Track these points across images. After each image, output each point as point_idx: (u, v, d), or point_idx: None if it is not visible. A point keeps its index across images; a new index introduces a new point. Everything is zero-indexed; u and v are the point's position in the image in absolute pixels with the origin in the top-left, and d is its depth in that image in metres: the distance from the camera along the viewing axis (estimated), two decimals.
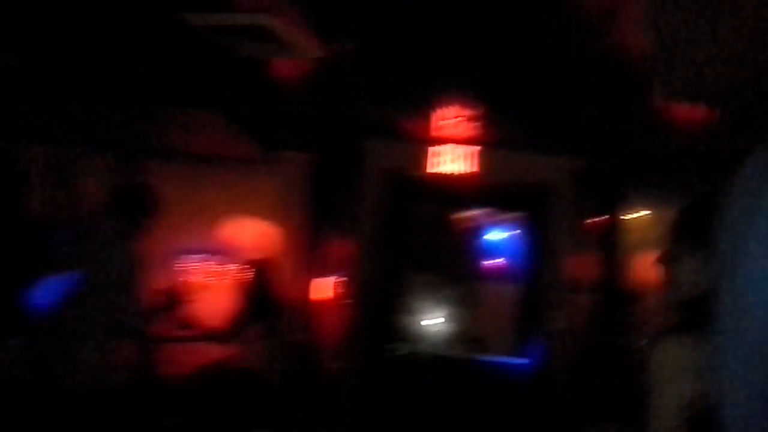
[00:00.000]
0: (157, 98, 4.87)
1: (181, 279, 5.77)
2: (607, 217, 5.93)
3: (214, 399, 4.87)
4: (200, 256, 5.99)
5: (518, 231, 7.09)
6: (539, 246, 6.33)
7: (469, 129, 6.06)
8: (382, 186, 6.21)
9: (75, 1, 4.16)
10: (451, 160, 6.15)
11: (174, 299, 4.20)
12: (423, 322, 7.36)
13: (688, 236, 1.78)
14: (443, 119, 6.05)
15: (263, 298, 5.26)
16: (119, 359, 3.58)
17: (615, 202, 5.96)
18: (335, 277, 6.27)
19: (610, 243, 5.90)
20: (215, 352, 5.32)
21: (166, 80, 4.72)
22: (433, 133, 6.05)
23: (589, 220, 5.99)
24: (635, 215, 6.13)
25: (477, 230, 7.31)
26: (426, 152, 6.11)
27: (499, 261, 7.36)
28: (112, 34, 4.47)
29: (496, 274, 7.35)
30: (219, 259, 6.05)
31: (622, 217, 5.98)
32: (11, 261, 2.98)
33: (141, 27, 4.36)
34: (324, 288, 6.20)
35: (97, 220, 3.78)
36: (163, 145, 5.80)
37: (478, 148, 6.10)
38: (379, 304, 6.29)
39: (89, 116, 5.35)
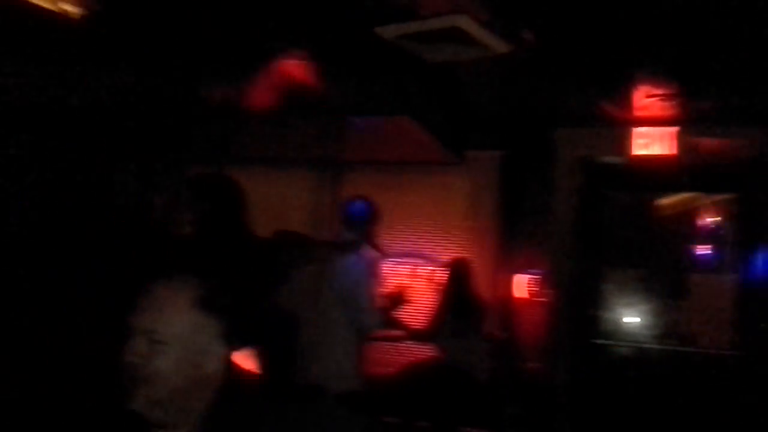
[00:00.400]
0: (349, 110, 4.98)
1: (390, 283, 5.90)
2: None
3: (425, 397, 4.91)
4: (400, 259, 6.08)
5: (729, 214, 6.54)
6: (754, 230, 5.81)
7: (666, 108, 5.66)
8: (577, 175, 5.98)
9: (268, 20, 4.34)
10: (649, 143, 5.79)
11: (395, 302, 4.32)
12: (627, 318, 7.00)
13: None
14: (638, 100, 5.70)
15: (463, 298, 5.23)
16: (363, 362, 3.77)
17: None
18: (533, 273, 6.13)
19: None
20: (420, 352, 5.39)
21: (358, 91, 4.81)
22: (628, 116, 5.73)
23: None
24: None
25: (683, 217, 6.82)
26: (622, 136, 5.80)
27: (710, 249, 6.81)
28: (307, 51, 4.63)
29: (707, 264, 6.80)
30: (418, 261, 6.12)
31: None
32: (250, 280, 3.18)
33: (333, 41, 4.47)
34: (522, 285, 6.08)
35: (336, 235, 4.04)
36: (357, 156, 5.95)
37: (678, 127, 5.69)
38: (580, 299, 6.07)
39: (288, 134, 5.60)
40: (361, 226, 3.99)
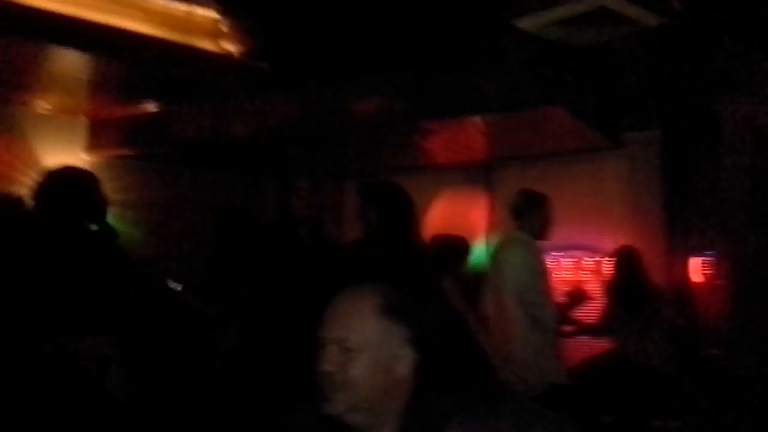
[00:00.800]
0: (491, 106, 4.92)
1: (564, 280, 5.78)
2: None
3: (605, 392, 4.73)
4: (563, 253, 5.92)
5: None
6: None
7: None
8: (750, 145, 5.54)
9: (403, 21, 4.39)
10: None
11: (576, 300, 4.22)
12: None
13: None
14: None
15: (634, 287, 4.99)
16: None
17: None
18: (707, 256, 5.75)
19: None
20: (595, 346, 5.20)
21: (503, 86, 4.74)
22: None
23: None
24: None
25: None
26: None
27: None
28: (445, 53, 4.63)
29: None
30: (581, 253, 5.94)
31: None
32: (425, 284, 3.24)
33: (475, 38, 4.44)
34: (696, 269, 5.73)
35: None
36: (508, 153, 5.88)
37: None
38: (762, 280, 5.62)
39: (434, 139, 5.63)
40: (529, 219, 3.90)
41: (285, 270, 3.27)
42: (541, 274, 3.80)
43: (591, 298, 4.42)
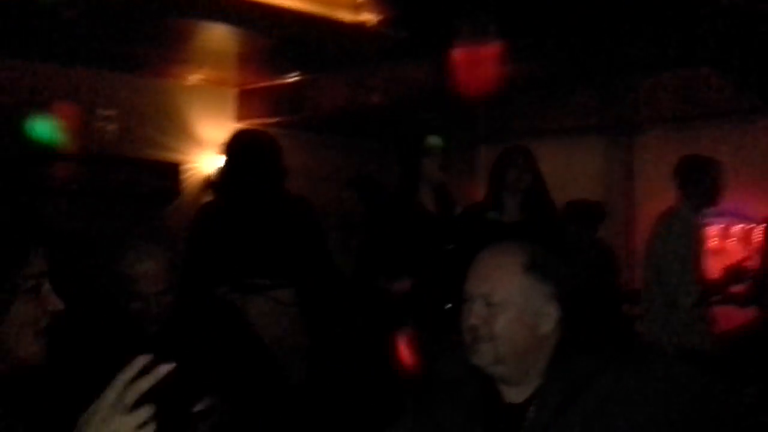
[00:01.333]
0: (639, 67, 4.74)
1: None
2: None
3: (754, 363, 4.51)
4: (713, 219, 5.65)
5: None
6: None
7: None
8: None
9: None
10: None
11: (736, 277, 4.03)
12: None
13: None
14: None
15: None
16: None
17: None
18: None
19: None
20: (741, 316, 4.95)
21: (651, 47, 4.55)
22: None
23: None
24: None
25: None
26: None
27: None
28: (590, 12, 4.49)
29: None
30: (729, 221, 5.64)
31: None
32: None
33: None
34: None
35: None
36: (652, 116, 5.66)
37: None
38: None
39: (575, 101, 5.51)
40: (695, 187, 3.73)
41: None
42: (684, 249, 3.65)
43: (750, 276, 4.14)
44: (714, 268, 5.15)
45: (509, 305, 1.55)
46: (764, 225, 4.82)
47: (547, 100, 5.54)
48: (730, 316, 4.85)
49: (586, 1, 4.40)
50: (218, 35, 4.78)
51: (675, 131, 5.80)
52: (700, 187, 3.71)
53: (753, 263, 4.99)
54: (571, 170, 6.09)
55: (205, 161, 6.06)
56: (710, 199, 3.79)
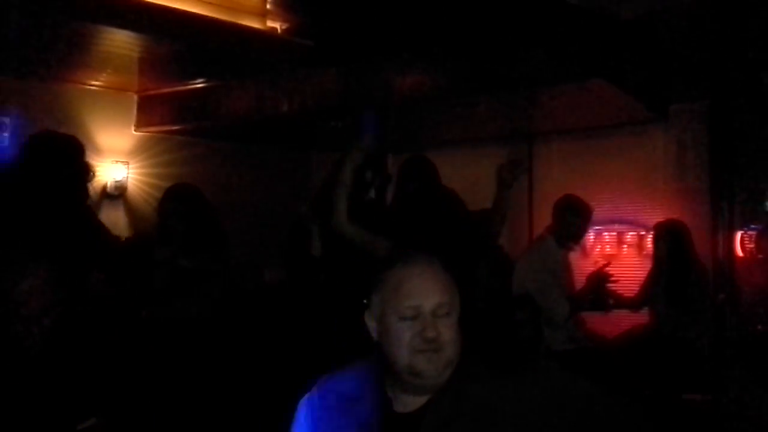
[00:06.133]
0: (540, 80, 4.91)
1: (591, 253, 5.80)
2: None
3: (642, 365, 4.75)
4: (603, 227, 5.91)
5: None
6: None
7: None
8: None
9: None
10: None
11: (600, 279, 4.44)
12: None
13: None
14: None
15: (679, 262, 4.96)
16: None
17: None
18: (753, 230, 5.68)
19: None
20: (635, 320, 5.20)
21: (547, 59, 4.72)
22: None
23: None
24: None
25: None
26: None
27: None
28: (488, 26, 4.62)
29: None
30: (623, 228, 5.92)
31: None
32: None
33: (516, 11, 4.42)
34: (741, 243, 5.66)
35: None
36: (551, 126, 5.86)
37: None
38: None
39: (476, 113, 5.63)
40: (564, 226, 4.39)
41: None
42: (551, 282, 4.28)
43: (613, 277, 4.66)
44: (610, 274, 5.43)
45: (453, 311, 1.63)
46: (658, 233, 5.09)
47: (451, 111, 5.64)
48: (623, 321, 5.09)
49: (486, 14, 4.52)
50: (119, 40, 4.63)
51: (571, 141, 6.03)
52: (569, 227, 4.39)
53: (640, 266, 5.29)
54: (474, 179, 6.21)
55: (104, 169, 5.85)
56: (575, 238, 4.49)
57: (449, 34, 4.50)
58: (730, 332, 5.17)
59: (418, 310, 1.60)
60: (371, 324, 1.67)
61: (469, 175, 6.13)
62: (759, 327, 5.42)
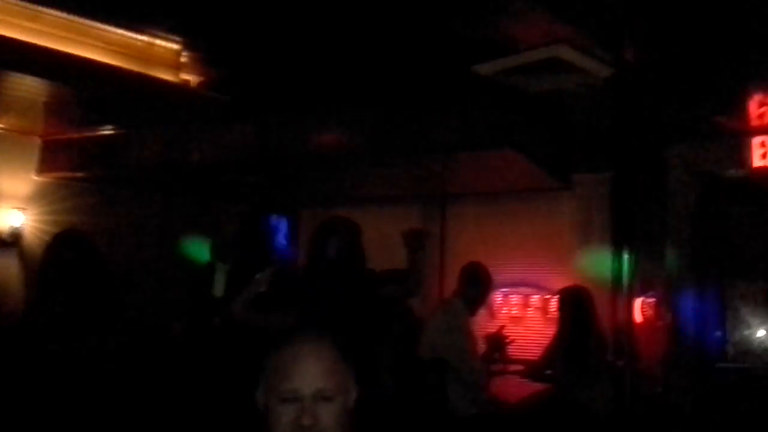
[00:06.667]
0: (452, 147, 5.02)
1: (498, 315, 5.89)
2: None
3: (541, 430, 4.81)
4: (511, 289, 6.02)
5: None
6: None
7: None
8: (696, 191, 5.75)
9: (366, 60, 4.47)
10: None
11: (498, 341, 4.59)
12: (755, 338, 6.63)
13: None
14: (754, 109, 5.43)
15: (580, 327, 5.08)
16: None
17: None
18: (651, 297, 5.92)
19: None
20: (536, 385, 5.27)
21: (459, 128, 4.84)
22: (744, 126, 5.46)
23: None
24: None
25: None
26: (739, 147, 5.53)
27: None
28: (405, 92, 4.72)
29: None
30: (529, 291, 6.04)
31: None
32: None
33: (432, 81, 4.53)
34: (640, 309, 5.88)
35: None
36: (462, 188, 5.97)
37: None
38: (701, 321, 5.82)
39: (392, 173, 5.69)
40: (470, 291, 4.50)
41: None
42: (463, 343, 4.37)
43: (510, 341, 4.85)
44: (515, 335, 5.53)
45: (337, 396, 1.55)
46: (561, 298, 5.21)
47: (367, 169, 5.68)
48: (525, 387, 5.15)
49: (405, 80, 4.61)
50: (25, 84, 4.46)
51: (483, 204, 6.17)
52: (474, 292, 4.54)
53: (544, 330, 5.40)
54: (387, 238, 6.24)
55: (3, 214, 5.56)
56: (479, 303, 4.63)
57: (364, 95, 4.56)
58: (628, 398, 5.31)
59: (297, 394, 1.54)
60: (260, 399, 1.60)
61: (383, 233, 6.16)
62: (653, 392, 5.61)
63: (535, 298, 6.03)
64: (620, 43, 4.69)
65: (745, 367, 6.13)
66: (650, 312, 5.86)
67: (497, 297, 6.07)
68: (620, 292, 5.78)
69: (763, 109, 5.38)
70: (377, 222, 6.24)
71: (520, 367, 5.10)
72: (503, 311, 6.01)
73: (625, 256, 5.82)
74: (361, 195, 6.45)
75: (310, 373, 1.55)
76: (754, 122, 5.41)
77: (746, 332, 6.73)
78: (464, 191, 6.26)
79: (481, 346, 4.70)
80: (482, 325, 5.25)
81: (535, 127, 5.26)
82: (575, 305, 5.05)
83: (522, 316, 5.97)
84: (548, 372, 4.99)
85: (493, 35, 4.18)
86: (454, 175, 5.80)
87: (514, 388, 5.36)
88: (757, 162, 5.48)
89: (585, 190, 6.00)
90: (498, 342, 4.72)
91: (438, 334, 4.38)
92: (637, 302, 5.78)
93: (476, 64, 4.23)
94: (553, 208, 6.13)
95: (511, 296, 6.05)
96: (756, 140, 5.45)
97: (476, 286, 4.56)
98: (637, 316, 5.78)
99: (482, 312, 5.31)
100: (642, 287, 5.84)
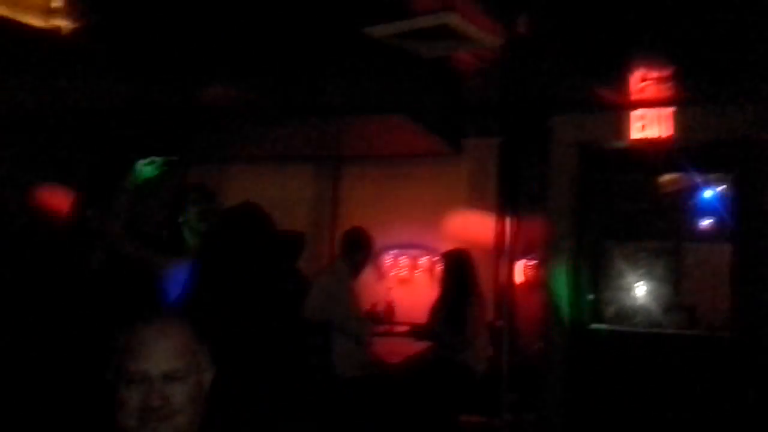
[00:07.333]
0: (343, 110, 5.01)
1: (387, 276, 5.99)
2: None
3: (423, 389, 4.96)
4: (400, 251, 6.13)
5: (729, 189, 6.59)
6: (752, 204, 5.85)
7: (662, 90, 5.66)
8: (577, 160, 6.00)
9: (259, 19, 4.37)
10: (647, 125, 5.79)
11: (380, 307, 4.71)
12: (628, 294, 7.07)
13: None
14: (634, 84, 5.70)
15: (461, 289, 5.24)
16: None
17: None
18: (532, 259, 6.17)
19: None
20: (419, 344, 5.43)
21: (351, 91, 4.83)
22: (625, 100, 5.73)
23: None
24: None
25: (683, 193, 6.85)
26: (619, 120, 5.80)
27: (710, 222, 6.84)
28: (298, 53, 4.65)
29: (707, 235, 6.85)
30: (418, 252, 6.16)
31: None
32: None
33: (324, 42, 4.48)
34: (522, 271, 6.12)
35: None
36: (356, 152, 5.98)
37: (675, 108, 5.69)
38: (577, 282, 6.14)
39: (286, 132, 5.63)
40: (352, 256, 4.58)
41: None
42: (351, 299, 4.52)
43: (393, 316, 5.04)
44: (403, 296, 5.64)
45: (188, 376, 1.55)
46: (444, 261, 5.35)
47: (260, 128, 5.60)
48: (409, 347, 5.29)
49: (296, 40, 4.54)
50: None
51: (375, 167, 6.21)
52: (357, 256, 4.62)
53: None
54: (283, 196, 6.20)
55: None
56: (362, 266, 4.72)
57: (252, 53, 4.45)
58: (506, 357, 5.55)
59: (145, 375, 1.53)
60: (110, 379, 1.56)
61: (277, 193, 6.12)
62: (529, 351, 5.89)
63: (424, 260, 6.15)
64: (512, 15, 4.79)
65: (615, 329, 6.54)
66: (532, 273, 6.12)
67: (387, 259, 6.16)
68: (503, 255, 6.02)
69: (642, 84, 5.65)
70: (271, 182, 6.20)
71: (405, 328, 5.23)
72: (392, 273, 6.12)
73: (509, 220, 6.05)
74: (255, 154, 6.37)
75: (159, 354, 1.53)
76: (634, 96, 5.68)
77: (621, 294, 7.18)
78: (358, 154, 6.28)
79: (366, 307, 4.80)
80: (370, 286, 5.32)
81: (427, 93, 5.31)
82: (457, 267, 5.20)
83: (410, 278, 6.10)
84: (431, 332, 5.13)
85: None
86: (347, 138, 5.81)
87: (400, 348, 5.51)
88: (635, 134, 5.78)
89: (475, 154, 6.15)
90: (375, 319, 4.89)
91: (323, 296, 4.42)
92: (519, 264, 6.03)
93: (368, 27, 4.21)
94: (444, 172, 6.24)
95: (400, 258, 6.16)
96: (635, 114, 5.75)
97: (359, 249, 4.64)
98: (519, 278, 6.03)
99: (371, 273, 5.40)
100: (525, 250, 6.09)
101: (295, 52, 4.57)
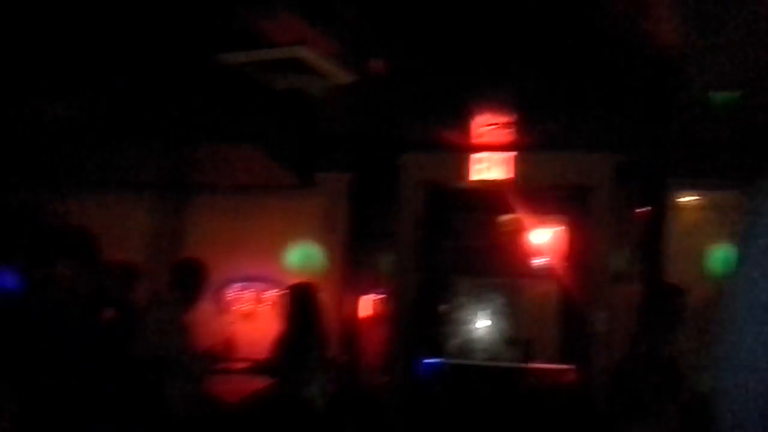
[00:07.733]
0: (194, 136, 4.86)
1: (230, 310, 5.82)
2: (650, 208, 5.77)
3: (259, 428, 4.83)
4: (245, 284, 5.98)
5: (561, 229, 7.06)
6: (582, 243, 6.30)
7: (505, 135, 5.97)
8: (423, 198, 6.17)
9: (107, 36, 4.17)
10: (489, 167, 6.06)
11: (224, 350, 4.54)
12: (468, 329, 7.33)
13: None
14: (478, 127, 5.97)
15: (305, 323, 5.17)
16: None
17: (658, 194, 5.80)
18: (377, 294, 6.23)
19: (655, 235, 5.75)
20: (263, 380, 5.29)
21: (203, 118, 4.70)
22: (470, 142, 5.98)
23: (632, 212, 5.85)
24: (685, 201, 5.97)
25: (520, 232, 7.26)
26: (464, 161, 6.04)
27: (544, 261, 7.28)
28: (150, 76, 4.48)
29: (541, 273, 7.29)
30: (264, 286, 6.03)
31: (666, 208, 5.84)
32: None
33: (177, 68, 4.35)
34: (366, 306, 6.16)
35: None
36: (203, 181, 5.79)
37: (516, 153, 6.01)
38: (421, 316, 6.29)
39: (129, 158, 5.36)
40: (187, 286, 4.35)
41: None
42: (184, 334, 4.28)
43: (233, 353, 4.79)
44: (253, 331, 5.47)
45: None
46: (289, 294, 5.25)
47: (97, 151, 5.28)
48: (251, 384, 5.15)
49: (145, 61, 4.36)
50: None
51: (225, 197, 6.04)
52: (190, 289, 4.39)
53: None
54: (121, 226, 5.85)
55: None
56: (196, 299, 4.47)
57: (94, 71, 4.24)
58: (348, 391, 5.55)
59: None
60: None
61: (114, 222, 5.77)
62: (370, 386, 5.92)
63: (269, 294, 6.03)
64: (366, 54, 4.88)
65: (457, 362, 6.75)
66: (379, 307, 6.16)
67: (230, 292, 5.99)
68: (349, 289, 6.04)
69: (483, 130, 5.94)
70: (109, 211, 5.84)
71: (246, 364, 5.07)
72: (235, 307, 5.94)
73: (358, 254, 6.10)
74: (92, 179, 5.98)
75: None
76: (475, 140, 5.95)
77: (462, 328, 7.42)
78: (206, 183, 6.07)
79: (205, 343, 4.59)
80: (211, 320, 5.14)
81: (279, 123, 5.26)
82: (300, 301, 5.09)
83: (254, 312, 5.95)
84: (273, 367, 5.00)
85: (241, 27, 4.12)
86: (194, 166, 5.61)
87: (241, 385, 5.33)
88: (477, 176, 6.04)
89: (327, 188, 6.13)
90: (225, 350, 4.66)
91: (153, 331, 4.19)
92: (366, 298, 6.07)
93: (221, 54, 4.13)
94: (294, 205, 6.16)
95: (244, 292, 6.01)
96: (478, 156, 6.01)
97: (192, 281, 4.41)
98: (365, 312, 6.06)
99: (211, 307, 5.21)
100: (372, 284, 6.15)
101: (140, 74, 4.39)
